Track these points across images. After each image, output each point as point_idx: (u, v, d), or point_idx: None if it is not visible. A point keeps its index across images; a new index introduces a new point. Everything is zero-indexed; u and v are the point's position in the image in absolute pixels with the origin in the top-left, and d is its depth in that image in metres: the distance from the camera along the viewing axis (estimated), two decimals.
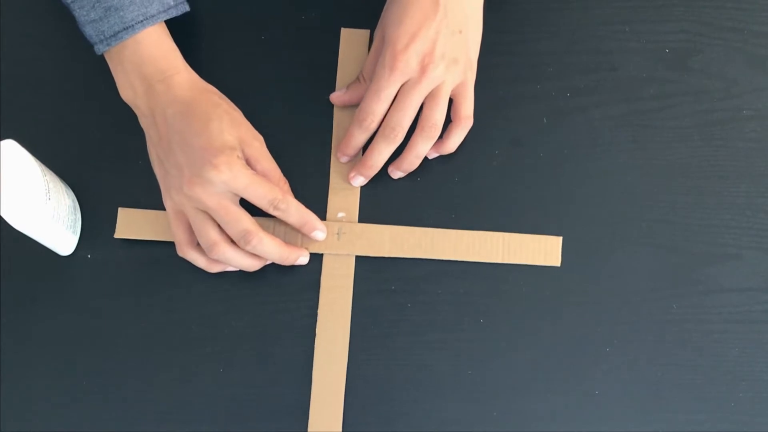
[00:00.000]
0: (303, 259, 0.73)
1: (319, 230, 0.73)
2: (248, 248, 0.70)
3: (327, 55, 0.78)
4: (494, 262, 0.74)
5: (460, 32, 0.72)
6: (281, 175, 0.73)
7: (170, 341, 0.73)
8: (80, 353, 0.72)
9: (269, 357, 0.72)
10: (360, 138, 0.74)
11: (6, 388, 0.72)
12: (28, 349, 0.72)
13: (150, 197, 0.75)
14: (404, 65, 0.71)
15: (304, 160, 0.76)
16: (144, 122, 0.73)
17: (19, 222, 0.67)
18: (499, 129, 0.77)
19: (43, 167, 0.69)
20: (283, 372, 0.72)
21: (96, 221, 0.75)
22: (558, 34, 0.79)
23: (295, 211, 0.72)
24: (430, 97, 0.73)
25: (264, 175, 0.71)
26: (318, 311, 0.73)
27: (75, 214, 0.74)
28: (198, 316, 0.73)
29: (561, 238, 0.74)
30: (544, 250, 0.74)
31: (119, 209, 0.74)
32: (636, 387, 0.72)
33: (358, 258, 0.74)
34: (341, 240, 0.74)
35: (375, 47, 0.76)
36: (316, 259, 0.74)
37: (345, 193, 0.75)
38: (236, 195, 0.70)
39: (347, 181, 0.75)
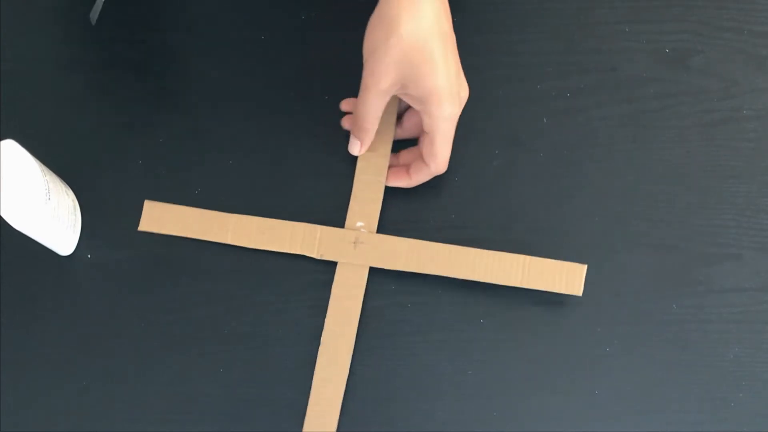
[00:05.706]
0: None
1: None
2: None
3: (327, 55, 0.78)
4: (512, 285, 0.71)
5: None
6: None
7: (170, 341, 0.73)
8: (80, 353, 0.72)
9: (269, 357, 0.72)
10: None
11: (6, 388, 0.72)
12: (28, 349, 0.72)
13: (150, 197, 0.75)
14: None
15: (304, 160, 0.76)
16: None
17: (19, 222, 0.67)
18: (499, 129, 0.77)
19: (43, 167, 0.69)
20: (283, 372, 0.72)
21: (96, 221, 0.75)
22: (558, 34, 0.79)
23: None
24: None
25: None
26: (325, 319, 0.72)
27: (75, 214, 0.74)
28: (198, 316, 0.73)
29: (585, 267, 0.70)
30: (565, 278, 0.70)
31: (145, 201, 0.74)
32: (636, 387, 0.72)
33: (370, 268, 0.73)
34: (357, 249, 0.73)
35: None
36: (324, 264, 0.73)
37: (367, 203, 0.73)
38: None
39: (371, 191, 0.74)
